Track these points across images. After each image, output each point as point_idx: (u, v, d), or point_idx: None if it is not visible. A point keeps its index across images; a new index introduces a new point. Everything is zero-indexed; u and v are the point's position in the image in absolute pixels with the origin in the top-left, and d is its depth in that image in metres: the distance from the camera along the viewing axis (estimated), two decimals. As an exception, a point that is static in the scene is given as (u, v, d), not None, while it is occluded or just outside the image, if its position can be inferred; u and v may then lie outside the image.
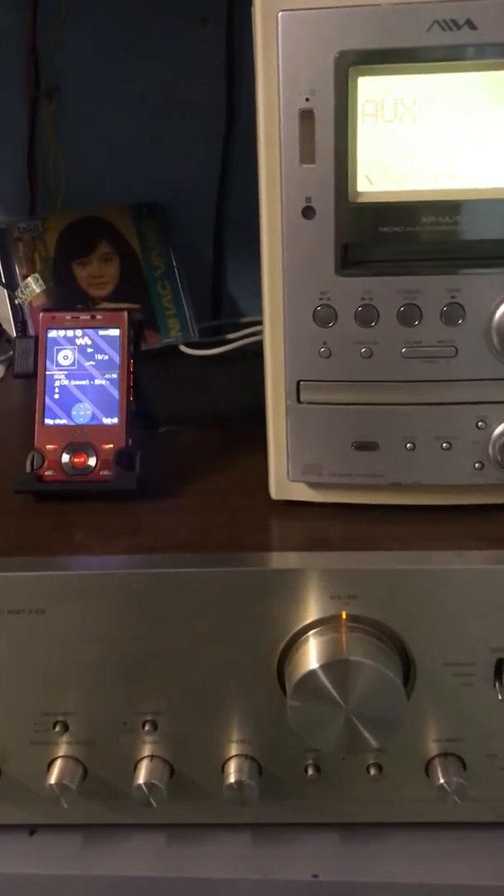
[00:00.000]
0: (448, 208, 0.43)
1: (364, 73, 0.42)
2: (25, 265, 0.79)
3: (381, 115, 0.43)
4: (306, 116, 0.43)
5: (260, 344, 0.49)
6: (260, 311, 0.48)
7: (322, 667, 0.43)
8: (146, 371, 0.58)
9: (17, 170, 0.86)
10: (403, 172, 0.44)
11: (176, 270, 0.83)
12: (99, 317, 0.55)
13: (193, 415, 0.67)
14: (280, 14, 0.42)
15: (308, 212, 0.44)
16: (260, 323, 0.48)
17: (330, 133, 0.43)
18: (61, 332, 0.54)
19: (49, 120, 0.85)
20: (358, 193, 0.44)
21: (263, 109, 0.44)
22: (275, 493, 0.51)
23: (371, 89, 0.42)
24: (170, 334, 0.81)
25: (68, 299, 0.79)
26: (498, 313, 0.44)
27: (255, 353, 0.50)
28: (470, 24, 0.40)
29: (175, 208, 0.85)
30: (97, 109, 0.85)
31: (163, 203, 0.84)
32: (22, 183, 0.86)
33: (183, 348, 0.81)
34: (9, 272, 0.79)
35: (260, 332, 0.49)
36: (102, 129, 0.86)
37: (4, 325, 0.85)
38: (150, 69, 0.84)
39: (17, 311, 0.72)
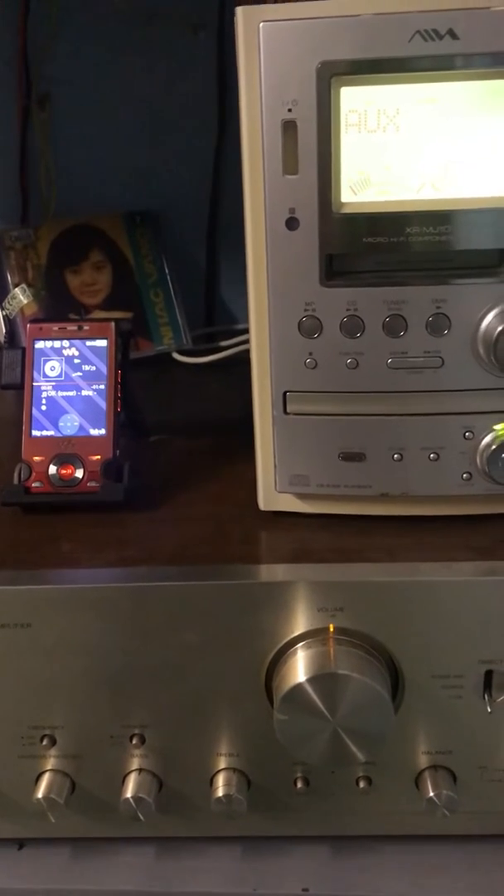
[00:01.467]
0: (433, 218, 0.43)
1: (346, 84, 0.42)
2: (17, 273, 0.79)
3: (364, 125, 0.43)
4: (289, 127, 0.42)
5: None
6: (251, 319, 0.48)
7: (309, 680, 0.43)
8: (137, 379, 0.58)
9: (9, 178, 0.86)
10: (387, 182, 0.43)
11: (168, 278, 0.83)
12: (86, 327, 0.54)
13: (185, 423, 0.67)
14: (261, 25, 0.41)
15: (292, 223, 0.44)
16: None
17: (313, 143, 0.43)
18: (48, 343, 0.54)
19: (41, 128, 0.85)
20: (342, 204, 0.44)
21: (247, 120, 0.43)
22: (263, 504, 0.51)
23: (354, 99, 0.42)
24: (163, 342, 0.81)
25: (60, 307, 0.78)
26: (483, 323, 0.44)
27: (248, 361, 0.50)
28: (452, 35, 0.40)
29: (168, 216, 0.85)
30: (89, 117, 0.85)
31: (155, 211, 0.84)
32: (14, 191, 0.86)
33: (176, 356, 0.81)
34: (0, 281, 0.79)
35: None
36: (94, 136, 0.85)
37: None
38: (141, 77, 0.83)
39: (6, 320, 0.72)
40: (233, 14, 0.42)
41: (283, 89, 0.42)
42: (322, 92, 0.42)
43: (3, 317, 0.68)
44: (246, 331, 0.80)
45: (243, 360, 0.76)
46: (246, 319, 0.84)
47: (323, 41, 0.41)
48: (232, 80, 0.82)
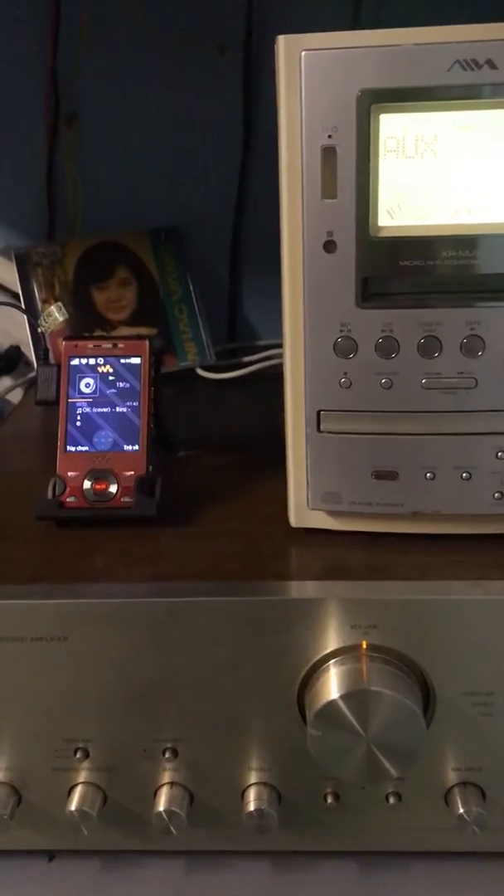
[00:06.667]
0: (467, 242, 0.44)
1: (386, 111, 0.43)
2: (45, 290, 0.80)
3: (402, 151, 0.43)
4: (328, 153, 0.43)
5: (276, 367, 0.50)
6: (276, 334, 0.48)
7: (342, 696, 0.43)
8: (164, 395, 0.59)
9: (36, 195, 0.87)
10: (424, 207, 0.44)
11: (193, 294, 0.84)
12: (121, 345, 0.55)
13: (211, 439, 0.68)
14: (303, 53, 0.42)
15: (329, 245, 0.45)
16: (276, 346, 0.49)
17: (352, 169, 0.43)
18: (83, 360, 0.55)
19: (68, 146, 0.86)
20: (379, 228, 0.44)
21: (286, 145, 0.44)
22: (294, 520, 0.52)
23: (393, 126, 0.43)
24: (187, 358, 0.82)
25: (86, 323, 0.80)
26: (518, 346, 0.45)
27: (271, 376, 0.51)
28: (490, 64, 0.41)
29: (192, 233, 0.86)
30: (115, 136, 0.86)
31: (180, 228, 0.85)
32: (41, 208, 0.87)
33: (200, 371, 0.82)
34: (28, 297, 0.80)
35: (276, 356, 0.49)
36: (120, 155, 0.87)
37: (24, 349, 0.86)
38: (167, 96, 0.85)
39: (38, 338, 0.73)
40: (257, 34, 0.43)
41: (323, 116, 0.43)
42: (362, 119, 0.42)
43: (39, 334, 0.68)
44: (269, 346, 0.82)
45: (266, 376, 0.78)
46: (269, 335, 0.86)
47: (363, 70, 0.42)
48: (257, 97, 0.84)
